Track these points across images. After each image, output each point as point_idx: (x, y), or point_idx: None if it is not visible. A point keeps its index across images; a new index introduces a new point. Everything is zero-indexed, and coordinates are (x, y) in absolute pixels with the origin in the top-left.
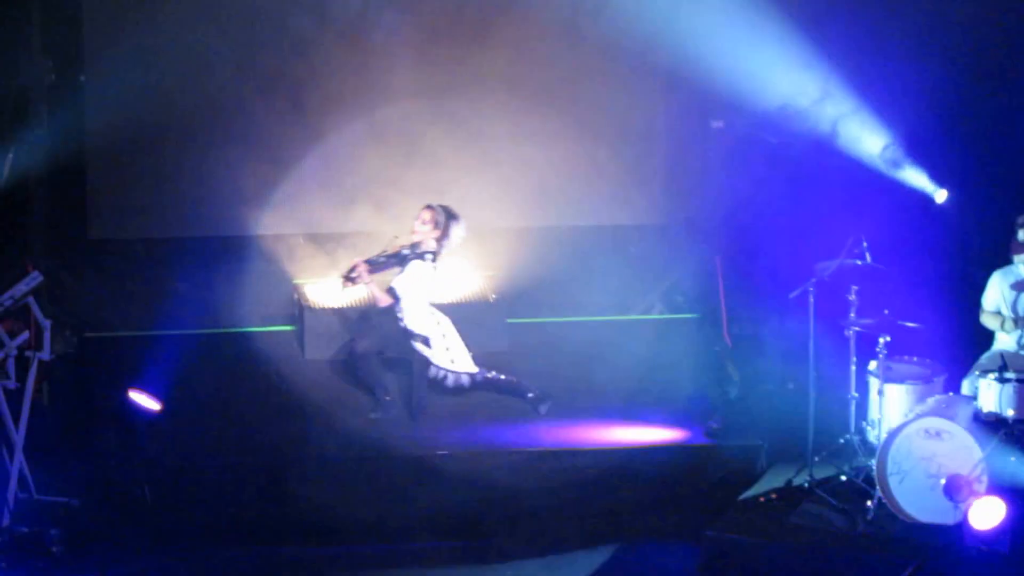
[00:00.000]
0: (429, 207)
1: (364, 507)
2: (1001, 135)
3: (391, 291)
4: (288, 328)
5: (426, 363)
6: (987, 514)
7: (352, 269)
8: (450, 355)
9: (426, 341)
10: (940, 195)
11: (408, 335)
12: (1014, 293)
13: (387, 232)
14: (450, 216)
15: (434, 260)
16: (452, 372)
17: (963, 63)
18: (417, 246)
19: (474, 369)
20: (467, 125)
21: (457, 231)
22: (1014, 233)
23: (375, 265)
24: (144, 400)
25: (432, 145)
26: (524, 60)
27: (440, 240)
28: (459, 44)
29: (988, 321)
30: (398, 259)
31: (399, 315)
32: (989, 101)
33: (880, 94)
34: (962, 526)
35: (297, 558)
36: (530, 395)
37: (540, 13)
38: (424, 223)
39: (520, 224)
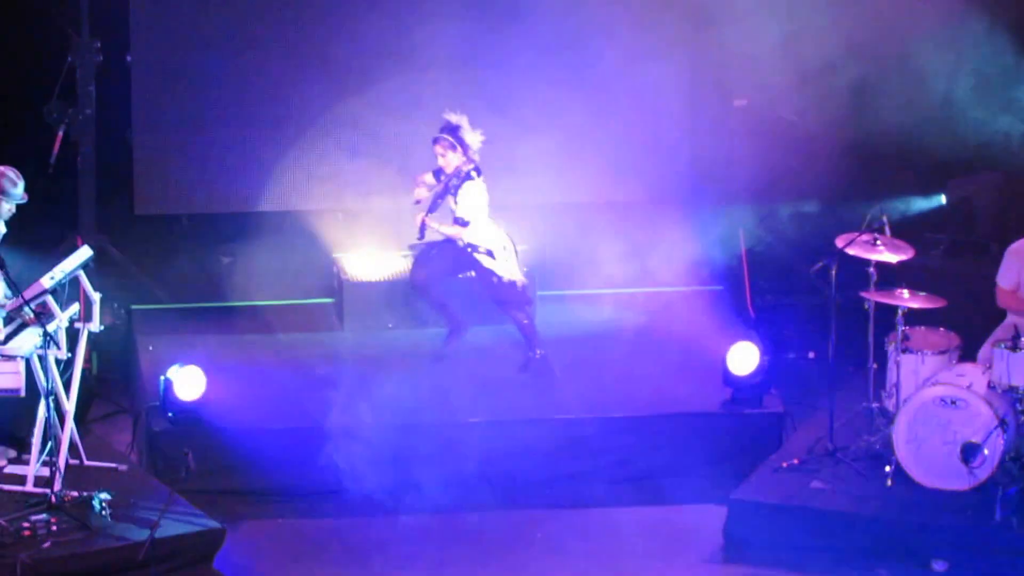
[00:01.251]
0: (436, 140)
1: (398, 474)
2: None
3: (458, 221)
4: (327, 300)
5: (490, 275)
6: None
7: (421, 229)
8: (510, 265)
9: (490, 253)
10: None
11: (473, 249)
12: None
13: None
14: (454, 130)
15: (478, 173)
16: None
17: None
18: (458, 171)
19: (524, 280)
20: (499, 98)
21: (471, 136)
22: None
23: (432, 211)
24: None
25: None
26: (557, 34)
27: (467, 154)
28: (493, 15)
29: (1005, 300)
30: (445, 192)
31: (465, 238)
32: None
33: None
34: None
35: (334, 526)
36: (536, 352)
37: None
38: (443, 155)
39: (552, 200)
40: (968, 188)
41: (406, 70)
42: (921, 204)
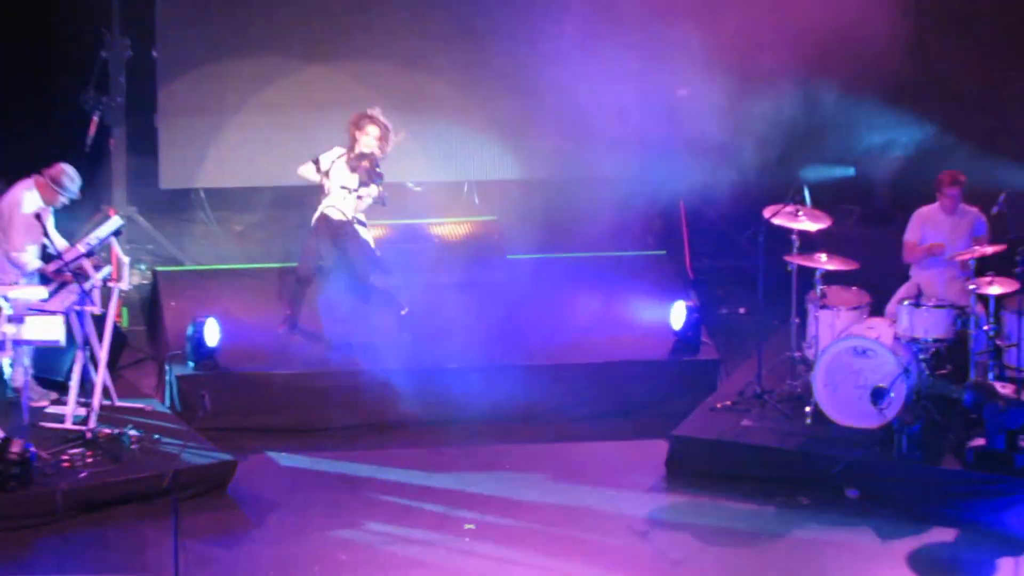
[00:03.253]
0: (377, 123)
1: (385, 412)
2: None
3: (383, 197)
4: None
5: (368, 245)
6: None
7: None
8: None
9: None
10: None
11: (361, 224)
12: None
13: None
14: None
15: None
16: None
17: None
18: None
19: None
20: (472, 82)
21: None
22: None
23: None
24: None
25: (437, 102)
26: (528, 31)
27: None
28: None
29: (910, 253)
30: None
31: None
32: None
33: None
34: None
35: (330, 458)
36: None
37: None
38: (379, 141)
39: (519, 175)
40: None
41: (402, 65)
42: (837, 172)
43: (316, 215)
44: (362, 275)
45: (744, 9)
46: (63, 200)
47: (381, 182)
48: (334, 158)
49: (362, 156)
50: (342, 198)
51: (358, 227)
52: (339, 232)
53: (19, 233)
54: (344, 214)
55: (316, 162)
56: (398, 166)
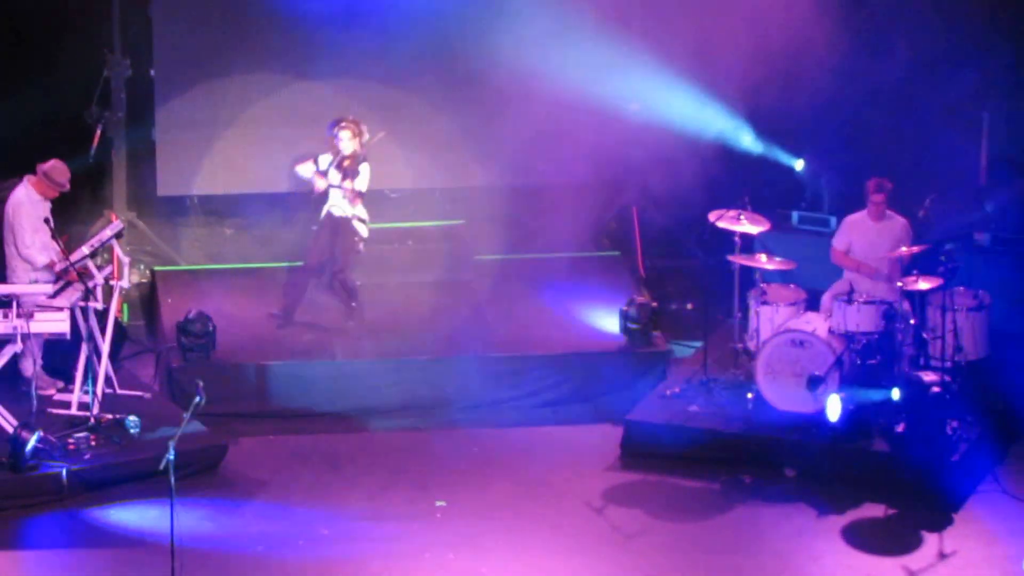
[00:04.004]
0: (342, 124)
1: (364, 399)
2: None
3: (359, 195)
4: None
5: (357, 241)
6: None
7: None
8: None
9: (363, 221)
10: (799, 164)
11: (356, 218)
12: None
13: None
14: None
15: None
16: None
17: None
18: (355, 154)
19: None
20: (442, 99)
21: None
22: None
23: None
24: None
25: (411, 117)
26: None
27: (363, 141)
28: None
29: (837, 260)
30: (346, 173)
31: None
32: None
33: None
34: (818, 416)
35: (314, 441)
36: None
37: None
38: (350, 139)
39: (488, 183)
40: (818, 168)
41: (380, 83)
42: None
43: (322, 214)
44: (341, 266)
45: (699, 24)
46: (59, 192)
47: (358, 180)
48: (328, 161)
49: (345, 157)
50: (341, 197)
51: (357, 224)
52: (338, 227)
53: (26, 231)
54: (344, 211)
55: (315, 161)
56: (376, 175)
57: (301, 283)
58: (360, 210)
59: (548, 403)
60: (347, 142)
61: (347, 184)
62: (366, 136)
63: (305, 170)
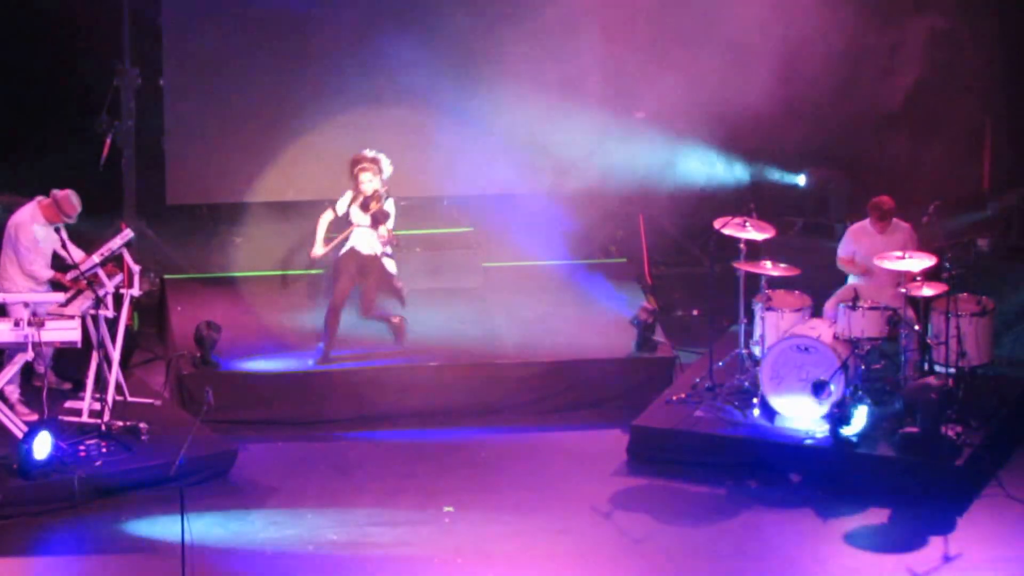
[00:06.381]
0: (363, 166)
1: (373, 406)
2: None
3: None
4: (319, 272)
5: (391, 276)
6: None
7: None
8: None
9: (392, 257)
10: (800, 179)
11: (386, 255)
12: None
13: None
14: (376, 160)
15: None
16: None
17: None
18: (377, 193)
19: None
20: (449, 112)
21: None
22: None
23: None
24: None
25: (420, 129)
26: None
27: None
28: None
29: (843, 266)
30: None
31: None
32: None
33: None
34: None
35: (323, 447)
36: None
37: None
38: (373, 178)
39: (497, 191)
40: (823, 177)
41: (389, 97)
42: (786, 179)
43: (344, 250)
44: (374, 302)
45: (700, 41)
46: (64, 222)
47: (389, 221)
48: (348, 202)
49: (368, 198)
50: (366, 234)
51: (385, 260)
52: (366, 265)
53: (28, 250)
54: (373, 249)
55: (333, 209)
56: None
57: (332, 323)
58: (388, 248)
59: (555, 409)
60: (368, 184)
61: (382, 231)
62: (388, 171)
63: (326, 219)
